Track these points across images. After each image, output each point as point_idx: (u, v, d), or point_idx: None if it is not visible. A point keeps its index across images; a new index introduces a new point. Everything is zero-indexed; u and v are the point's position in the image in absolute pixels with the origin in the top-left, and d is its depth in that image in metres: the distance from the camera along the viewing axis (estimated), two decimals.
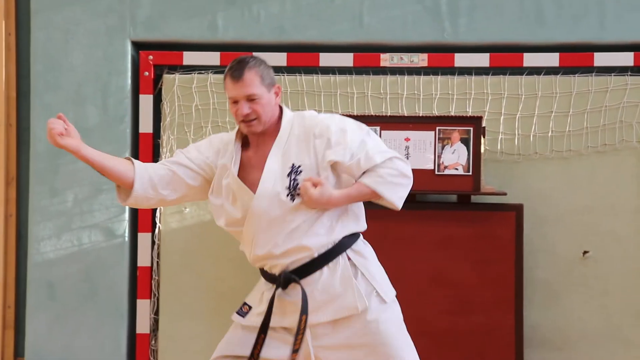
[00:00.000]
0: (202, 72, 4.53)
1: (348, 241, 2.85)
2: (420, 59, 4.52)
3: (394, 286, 2.93)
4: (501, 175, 4.44)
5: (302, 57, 4.51)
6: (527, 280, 4.33)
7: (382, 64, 4.52)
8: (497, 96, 4.48)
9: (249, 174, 2.84)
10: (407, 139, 4.23)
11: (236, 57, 2.84)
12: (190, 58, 4.53)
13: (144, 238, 4.53)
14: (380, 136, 4.11)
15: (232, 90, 2.78)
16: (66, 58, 4.50)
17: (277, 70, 4.52)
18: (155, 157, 4.55)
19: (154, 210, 4.51)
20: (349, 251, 2.85)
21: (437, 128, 4.26)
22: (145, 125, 4.55)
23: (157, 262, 4.52)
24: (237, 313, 2.93)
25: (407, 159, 4.14)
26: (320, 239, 2.79)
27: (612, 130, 4.44)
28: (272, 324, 2.83)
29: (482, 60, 4.48)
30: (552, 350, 4.42)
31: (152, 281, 4.52)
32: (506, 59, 4.48)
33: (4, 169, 4.60)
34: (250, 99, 2.77)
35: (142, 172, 2.84)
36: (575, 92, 4.44)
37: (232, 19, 4.50)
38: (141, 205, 2.91)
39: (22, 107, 4.65)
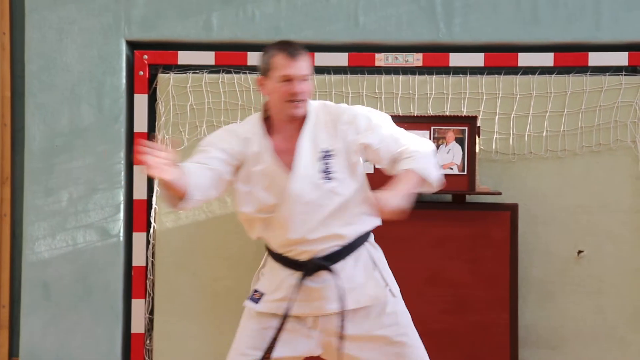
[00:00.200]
0: (197, 71, 4.53)
1: (368, 233, 2.94)
2: (415, 59, 4.52)
3: None
4: (496, 175, 4.45)
5: None
6: (522, 280, 4.34)
7: (377, 63, 4.52)
8: (492, 96, 4.48)
9: (279, 159, 2.86)
10: None
11: (280, 41, 2.86)
12: (185, 57, 4.52)
13: (139, 238, 4.52)
14: None
15: (289, 68, 2.78)
16: (61, 57, 4.49)
17: None
18: None
19: (148, 210, 4.51)
20: (367, 243, 2.93)
21: (432, 128, 4.26)
22: (140, 125, 4.54)
23: (152, 261, 4.51)
24: (251, 299, 2.91)
25: None
26: (352, 228, 2.85)
27: (606, 130, 4.45)
28: (294, 311, 2.84)
29: (476, 60, 4.49)
30: (546, 350, 4.42)
31: (147, 281, 4.52)
32: (501, 58, 4.49)
33: None
34: (304, 79, 2.81)
35: (194, 178, 2.79)
36: (570, 91, 4.45)
37: (227, 19, 4.50)
38: (187, 208, 2.89)
39: (16, 106, 4.64)
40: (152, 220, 4.51)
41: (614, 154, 4.44)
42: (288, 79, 2.79)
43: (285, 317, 2.84)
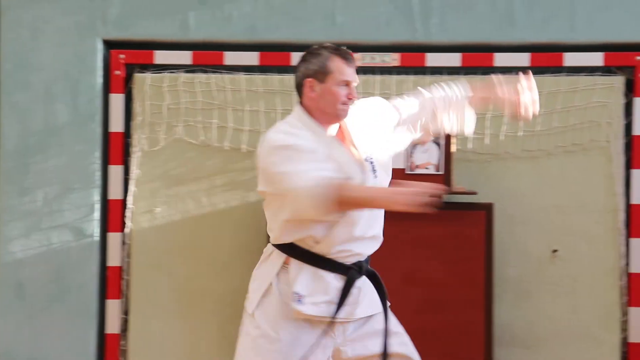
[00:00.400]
0: (174, 71, 4.51)
1: None
2: (392, 59, 4.53)
3: None
4: (472, 175, 4.46)
5: (275, 57, 4.50)
6: (498, 279, 4.35)
7: None
8: None
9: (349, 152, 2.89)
10: None
11: (330, 44, 2.87)
12: (161, 57, 4.51)
13: (114, 238, 4.51)
14: None
15: (349, 74, 2.83)
16: (36, 56, 4.47)
17: (249, 69, 4.54)
18: (125, 156, 4.53)
19: (124, 210, 4.49)
20: None
21: None
22: (116, 124, 4.53)
23: (128, 261, 4.50)
24: (299, 302, 2.79)
25: None
26: (381, 230, 2.91)
27: (581, 129, 4.47)
28: (341, 315, 2.81)
29: (453, 60, 4.50)
30: (522, 349, 4.44)
31: (122, 281, 4.50)
32: (477, 58, 4.50)
33: None
34: (355, 84, 2.88)
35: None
36: (546, 91, 4.47)
37: (203, 18, 4.49)
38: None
39: None
40: (127, 220, 4.49)
41: (588, 153, 4.46)
42: (346, 83, 2.84)
43: (331, 322, 2.79)
